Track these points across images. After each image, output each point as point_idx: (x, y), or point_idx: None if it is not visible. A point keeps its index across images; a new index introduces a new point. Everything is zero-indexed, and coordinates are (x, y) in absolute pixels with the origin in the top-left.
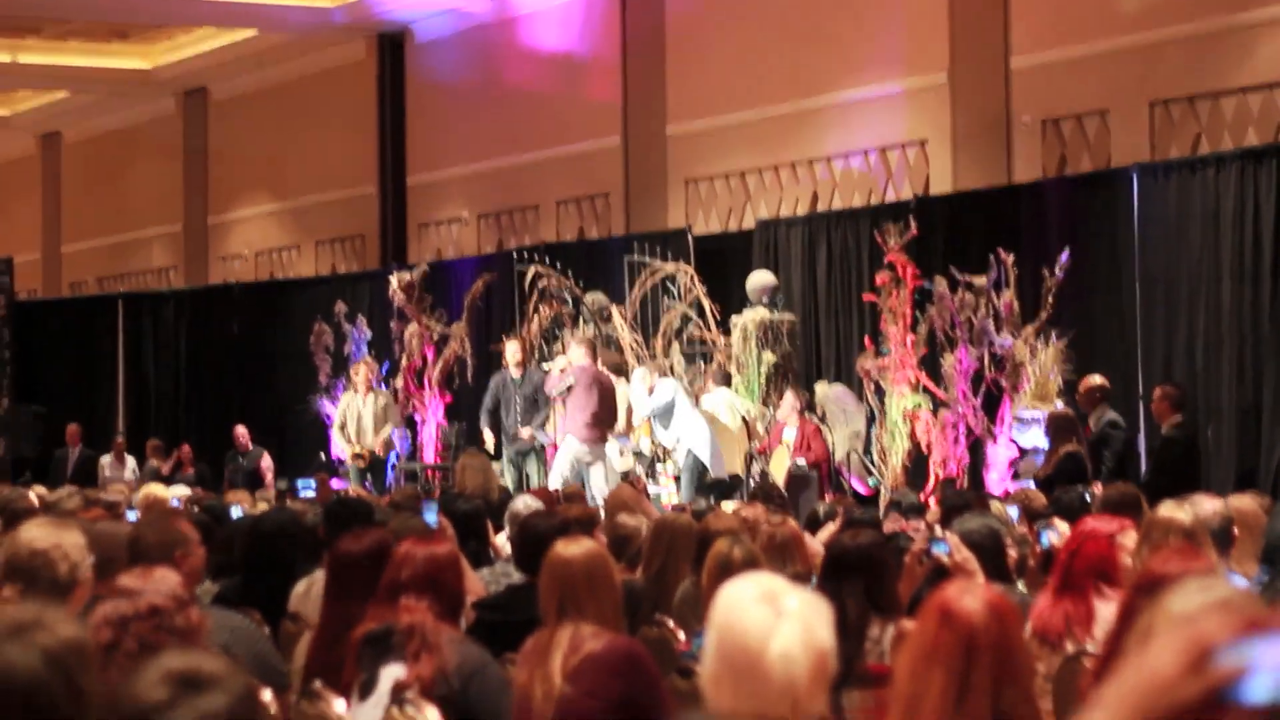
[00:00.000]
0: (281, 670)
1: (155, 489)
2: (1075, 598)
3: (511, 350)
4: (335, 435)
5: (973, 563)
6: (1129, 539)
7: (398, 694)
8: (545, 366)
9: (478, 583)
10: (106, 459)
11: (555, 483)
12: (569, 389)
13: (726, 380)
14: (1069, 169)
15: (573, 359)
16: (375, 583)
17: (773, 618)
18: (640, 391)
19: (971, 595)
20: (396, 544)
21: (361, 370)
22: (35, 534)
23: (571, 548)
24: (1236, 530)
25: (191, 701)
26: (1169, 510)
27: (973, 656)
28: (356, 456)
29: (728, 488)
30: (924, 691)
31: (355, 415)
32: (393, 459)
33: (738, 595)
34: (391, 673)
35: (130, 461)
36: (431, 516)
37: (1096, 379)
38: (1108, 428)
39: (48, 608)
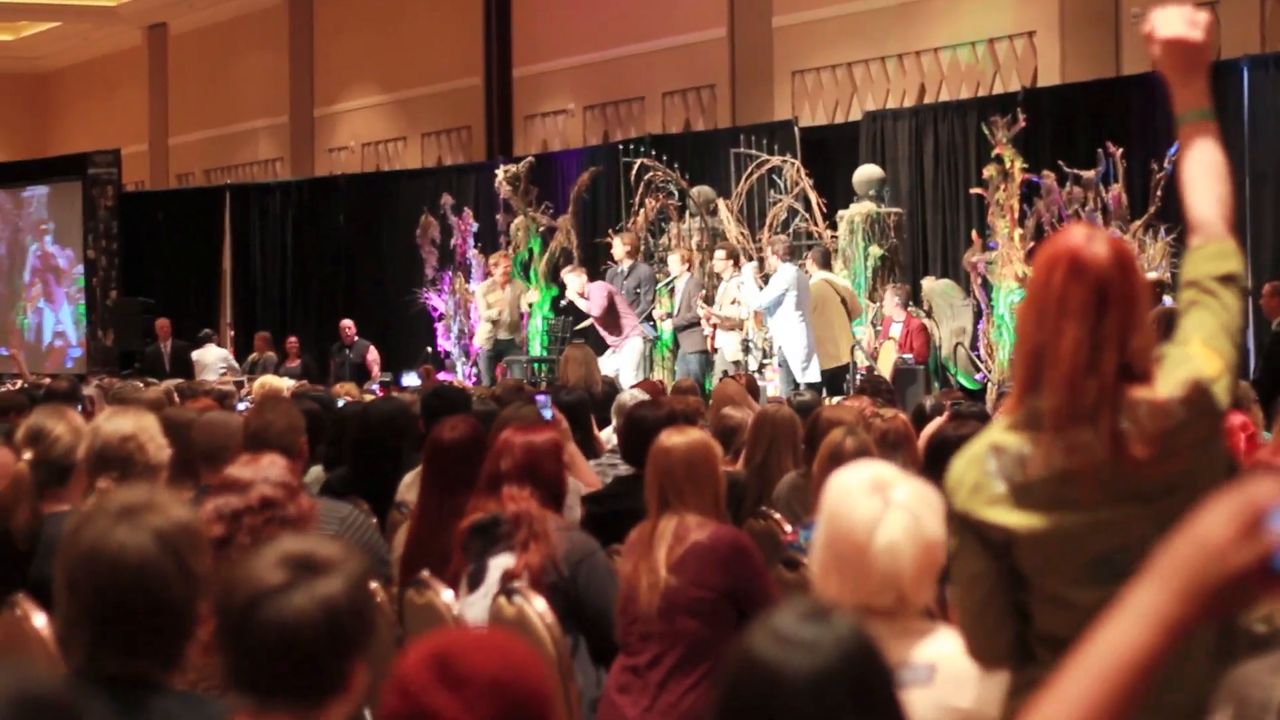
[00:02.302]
0: (389, 561)
1: (270, 379)
2: None
3: (618, 245)
4: (482, 311)
5: None
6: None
7: (506, 584)
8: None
9: (592, 475)
10: (198, 351)
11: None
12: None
13: (825, 262)
14: None
15: (574, 286)
16: (472, 472)
17: (880, 507)
18: (751, 286)
19: (1098, 242)
20: (499, 432)
21: (502, 264)
22: (117, 422)
23: (674, 438)
24: None
25: (309, 584)
26: None
27: (1104, 309)
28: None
29: (834, 379)
30: (1054, 344)
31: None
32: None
33: (847, 484)
34: (500, 563)
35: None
36: (548, 412)
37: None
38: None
39: (158, 490)
